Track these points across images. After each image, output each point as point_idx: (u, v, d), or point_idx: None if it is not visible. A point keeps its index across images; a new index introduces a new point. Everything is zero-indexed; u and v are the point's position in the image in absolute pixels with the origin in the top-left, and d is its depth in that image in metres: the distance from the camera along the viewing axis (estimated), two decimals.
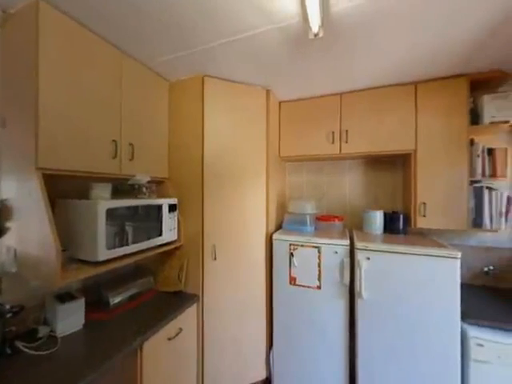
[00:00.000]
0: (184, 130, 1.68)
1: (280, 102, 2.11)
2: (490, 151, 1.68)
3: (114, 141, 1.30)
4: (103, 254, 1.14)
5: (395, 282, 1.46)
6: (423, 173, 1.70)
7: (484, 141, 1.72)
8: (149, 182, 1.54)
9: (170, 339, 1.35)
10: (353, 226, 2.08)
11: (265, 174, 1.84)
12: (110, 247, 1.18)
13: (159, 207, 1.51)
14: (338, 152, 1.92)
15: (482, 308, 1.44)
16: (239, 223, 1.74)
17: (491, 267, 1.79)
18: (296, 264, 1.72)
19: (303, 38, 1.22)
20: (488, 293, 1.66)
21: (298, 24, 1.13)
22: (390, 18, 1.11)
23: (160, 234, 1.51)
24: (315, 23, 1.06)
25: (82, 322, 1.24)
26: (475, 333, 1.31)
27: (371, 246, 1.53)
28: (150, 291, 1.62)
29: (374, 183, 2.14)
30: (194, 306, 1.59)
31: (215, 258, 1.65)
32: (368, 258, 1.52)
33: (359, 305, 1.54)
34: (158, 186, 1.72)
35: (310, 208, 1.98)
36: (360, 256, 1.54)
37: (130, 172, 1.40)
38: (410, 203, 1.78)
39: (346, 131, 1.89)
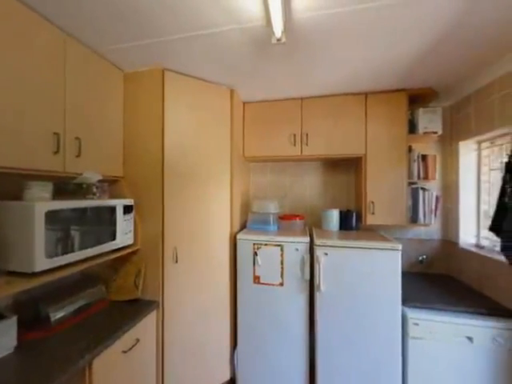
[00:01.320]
0: (142, 125, 1.56)
1: (244, 103, 2.12)
2: (424, 157, 1.96)
3: (55, 134, 1.14)
4: (41, 263, 0.99)
5: (349, 275, 1.60)
6: (372, 175, 1.90)
7: (419, 148, 2.01)
8: (100, 181, 1.39)
9: (125, 352, 1.25)
10: (312, 224, 2.20)
11: (229, 174, 1.83)
12: (50, 255, 1.03)
13: (112, 209, 1.38)
14: (300, 154, 2.02)
15: (417, 292, 1.67)
16: (203, 224, 1.70)
17: (424, 256, 2.09)
18: (260, 263, 1.76)
19: (267, 42, 1.24)
20: (421, 278, 1.93)
21: (261, 27, 1.15)
22: (345, 33, 1.20)
23: (113, 238, 1.38)
24: (278, 28, 1.10)
25: (14, 344, 1.06)
26: (412, 314, 1.51)
27: (329, 242, 1.65)
28: (101, 302, 1.47)
29: (331, 184, 2.30)
30: (154, 313, 1.49)
31: (176, 261, 1.58)
32: (326, 254, 1.63)
33: (318, 298, 1.65)
34: (111, 185, 1.57)
35: (273, 207, 2.04)
36: (319, 252, 1.64)
37: (77, 170, 1.25)
38: (361, 202, 1.97)
39: (307, 134, 2.00)
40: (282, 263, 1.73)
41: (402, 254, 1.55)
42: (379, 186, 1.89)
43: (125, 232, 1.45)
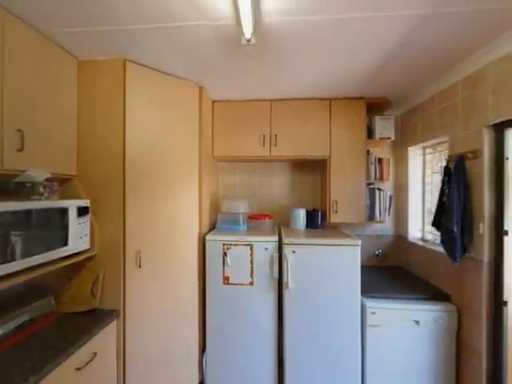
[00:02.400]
0: (100, 119, 1.43)
1: (213, 101, 2.09)
2: (380, 160, 2.16)
3: None
4: None
5: (314, 271, 1.68)
6: (335, 176, 2.02)
7: (376, 152, 2.20)
8: (48, 179, 1.24)
9: (79, 369, 1.13)
10: (281, 223, 2.26)
11: (198, 174, 1.79)
12: None
13: (63, 211, 1.23)
14: (269, 154, 2.06)
15: (374, 284, 1.83)
16: (170, 225, 1.63)
17: (380, 250, 2.30)
18: (229, 263, 1.74)
19: (237, 42, 1.24)
20: (377, 271, 2.12)
21: (232, 26, 1.15)
22: (311, 42, 1.26)
23: (65, 244, 1.24)
24: (248, 29, 1.10)
25: None
26: (370, 304, 1.65)
27: (296, 240, 1.71)
28: (50, 315, 1.31)
29: (298, 184, 2.39)
30: (114, 323, 1.38)
31: (140, 266, 1.48)
32: (293, 252, 1.69)
33: (286, 295, 1.70)
34: (62, 184, 1.41)
35: (242, 207, 2.04)
36: (287, 250, 1.69)
37: (19, 166, 1.09)
38: (325, 201, 2.08)
39: (276, 136, 2.04)
40: (251, 263, 1.75)
41: (361, 249, 1.68)
42: (342, 186, 2.02)
43: (79, 236, 1.31)
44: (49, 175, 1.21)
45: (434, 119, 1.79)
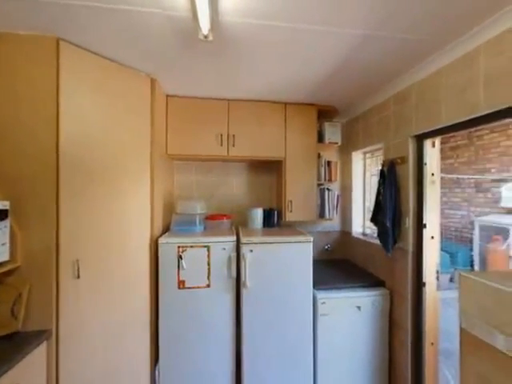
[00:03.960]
0: (25, 104, 1.20)
1: (168, 96, 1.97)
2: (329, 163, 2.36)
3: None
4: None
5: (271, 268, 1.74)
6: (290, 176, 2.13)
7: (325, 155, 2.39)
8: None
9: None
10: (239, 223, 2.27)
11: (149, 172, 1.66)
12: None
13: None
14: (226, 154, 2.04)
15: (324, 276, 1.99)
16: (117, 228, 1.47)
17: (329, 245, 2.52)
18: (185, 266, 1.67)
19: (194, 37, 1.19)
20: (327, 264, 2.31)
21: (188, 19, 1.10)
22: (267, 46, 1.30)
23: None
24: (205, 25, 1.07)
25: None
26: (320, 295, 1.79)
27: (253, 239, 1.74)
28: None
29: (256, 184, 2.44)
30: (43, 346, 1.17)
31: (78, 276, 1.30)
32: (251, 251, 1.72)
33: (244, 294, 1.71)
34: None
35: (199, 208, 1.98)
36: (245, 249, 1.71)
37: None
38: (281, 201, 2.17)
39: (233, 135, 2.04)
40: (208, 264, 1.71)
41: (313, 245, 1.81)
42: (296, 186, 2.14)
43: None
44: None
45: (372, 128, 2.04)
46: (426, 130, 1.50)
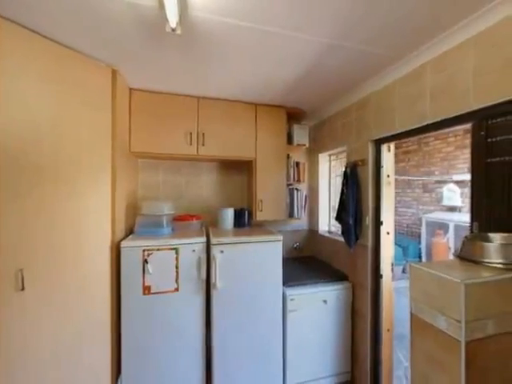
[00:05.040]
0: None
1: (131, 89, 1.84)
2: (297, 164, 2.44)
3: None
4: None
5: (242, 268, 1.74)
6: (260, 176, 2.16)
7: (294, 156, 2.48)
8: None
9: None
10: (209, 224, 2.23)
11: (110, 171, 1.53)
12: None
13: None
14: (196, 153, 1.99)
15: (293, 273, 2.06)
16: (71, 232, 1.33)
17: (297, 243, 2.61)
18: (151, 271, 1.58)
19: (161, 29, 1.14)
20: (296, 261, 2.40)
21: (154, 9, 1.04)
22: (238, 46, 1.30)
23: None
24: (172, 17, 1.03)
25: None
26: (289, 292, 1.84)
27: (224, 240, 1.72)
28: None
29: (226, 184, 2.42)
30: None
31: (23, 288, 1.14)
32: (222, 251, 1.70)
33: (214, 295, 1.69)
34: None
35: (166, 209, 1.89)
36: (215, 250, 1.68)
37: None
38: (252, 201, 2.19)
39: (203, 134, 2.00)
40: (177, 267, 1.64)
41: (283, 244, 1.86)
42: (266, 186, 2.18)
43: None
44: None
45: (337, 132, 2.17)
46: (382, 136, 1.65)
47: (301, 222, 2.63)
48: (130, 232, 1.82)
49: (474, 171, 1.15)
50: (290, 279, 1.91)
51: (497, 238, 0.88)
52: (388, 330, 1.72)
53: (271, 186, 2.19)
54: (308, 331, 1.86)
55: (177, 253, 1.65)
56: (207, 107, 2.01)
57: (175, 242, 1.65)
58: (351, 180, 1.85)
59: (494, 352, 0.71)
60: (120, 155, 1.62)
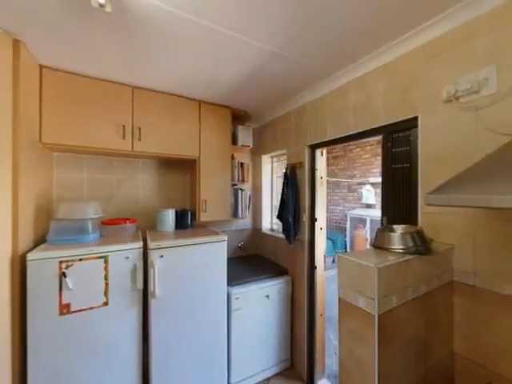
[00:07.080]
0: None
1: (42, 66, 1.51)
2: (242, 164, 2.48)
3: None
4: None
5: (184, 272, 1.65)
6: (204, 176, 2.10)
7: (239, 157, 2.51)
8: None
9: None
10: (147, 227, 2.03)
11: (10, 165, 1.22)
12: None
13: None
14: (131, 149, 1.78)
15: (237, 272, 2.08)
16: None
17: (242, 243, 2.65)
18: (71, 286, 1.34)
19: (86, 2, 0.97)
20: (240, 260, 2.43)
21: None
22: (181, 39, 1.23)
23: None
24: None
25: None
26: (234, 291, 1.85)
27: (164, 243, 1.60)
28: None
29: (166, 183, 2.25)
30: None
31: None
32: (161, 256, 1.57)
33: (153, 304, 1.55)
34: None
35: (92, 211, 1.63)
36: (153, 256, 1.55)
37: None
38: (195, 201, 2.11)
39: (139, 128, 1.81)
40: (106, 278, 1.44)
41: (228, 244, 1.85)
42: (210, 186, 2.13)
43: None
44: None
45: (278, 136, 2.31)
46: (317, 142, 1.84)
47: (245, 222, 2.68)
48: (42, 241, 1.50)
49: (383, 175, 1.41)
50: (234, 278, 1.92)
51: (398, 229, 1.10)
52: (321, 315, 1.94)
53: (215, 185, 2.16)
54: (252, 327, 1.91)
55: (106, 262, 1.44)
56: (144, 99, 1.83)
57: (103, 249, 1.44)
58: (291, 181, 2.00)
59: (396, 320, 0.89)
60: (26, 146, 1.31)
